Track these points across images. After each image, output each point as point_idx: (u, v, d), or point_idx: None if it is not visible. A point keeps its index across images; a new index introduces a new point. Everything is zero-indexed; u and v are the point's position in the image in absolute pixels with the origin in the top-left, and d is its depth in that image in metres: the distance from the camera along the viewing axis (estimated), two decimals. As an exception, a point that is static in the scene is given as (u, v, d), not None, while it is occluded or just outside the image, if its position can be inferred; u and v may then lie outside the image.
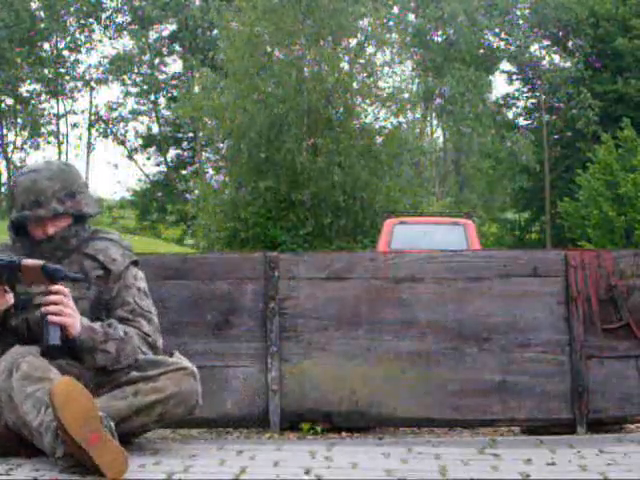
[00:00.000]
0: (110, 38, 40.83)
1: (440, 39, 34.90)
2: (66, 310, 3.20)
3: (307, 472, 2.96)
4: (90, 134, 41.46)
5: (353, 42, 22.97)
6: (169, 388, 3.25)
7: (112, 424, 2.96)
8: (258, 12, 21.22)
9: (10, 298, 3.27)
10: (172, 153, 41.96)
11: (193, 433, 4.16)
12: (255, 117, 20.75)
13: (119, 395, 3.22)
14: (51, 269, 3.23)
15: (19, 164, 40.36)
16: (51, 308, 3.18)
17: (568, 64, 33.64)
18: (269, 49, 21.66)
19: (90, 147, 41.65)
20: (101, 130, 41.66)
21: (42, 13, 38.77)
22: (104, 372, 3.32)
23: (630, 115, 26.95)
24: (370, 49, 23.01)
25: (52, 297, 3.20)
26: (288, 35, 21.27)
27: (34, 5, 38.47)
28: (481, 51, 34.91)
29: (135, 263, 3.50)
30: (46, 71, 39.31)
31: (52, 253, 3.37)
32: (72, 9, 38.93)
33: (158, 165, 42.07)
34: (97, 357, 3.26)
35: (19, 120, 39.98)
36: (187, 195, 35.61)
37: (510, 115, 37.46)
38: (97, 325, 3.28)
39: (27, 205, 3.35)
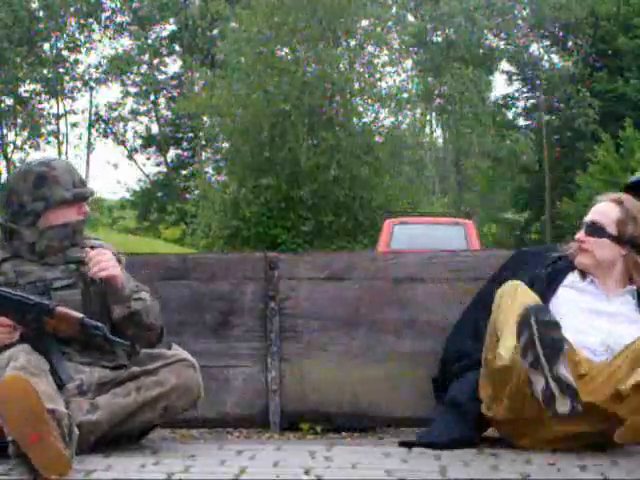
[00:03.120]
0: (110, 38, 40.88)
1: (440, 39, 34.90)
2: (110, 263, 3.31)
3: (307, 472, 2.96)
4: (90, 134, 41.50)
5: (353, 42, 22.99)
6: (170, 380, 3.26)
7: (72, 424, 2.94)
8: (264, 11, 21.23)
9: (17, 334, 3.25)
10: (172, 153, 42.00)
11: (193, 433, 4.16)
12: (260, 116, 20.76)
13: (122, 392, 3.24)
14: (92, 325, 3.21)
15: (19, 164, 40.36)
16: (100, 266, 3.29)
17: (568, 63, 33.65)
18: (272, 47, 21.67)
19: (90, 147, 41.71)
20: (101, 130, 41.71)
21: (41, 13, 38.75)
22: (111, 366, 3.34)
23: (629, 115, 26.97)
24: (370, 49, 23.02)
25: (94, 259, 3.30)
26: (291, 34, 21.27)
27: (33, 5, 38.45)
28: (480, 51, 34.92)
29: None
30: (45, 71, 39.30)
31: (60, 242, 3.39)
32: (72, 9, 38.93)
33: (158, 165, 42.12)
34: (132, 303, 3.34)
35: (19, 120, 39.95)
36: (187, 195, 35.63)
37: (510, 115, 37.47)
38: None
39: (77, 183, 3.42)
